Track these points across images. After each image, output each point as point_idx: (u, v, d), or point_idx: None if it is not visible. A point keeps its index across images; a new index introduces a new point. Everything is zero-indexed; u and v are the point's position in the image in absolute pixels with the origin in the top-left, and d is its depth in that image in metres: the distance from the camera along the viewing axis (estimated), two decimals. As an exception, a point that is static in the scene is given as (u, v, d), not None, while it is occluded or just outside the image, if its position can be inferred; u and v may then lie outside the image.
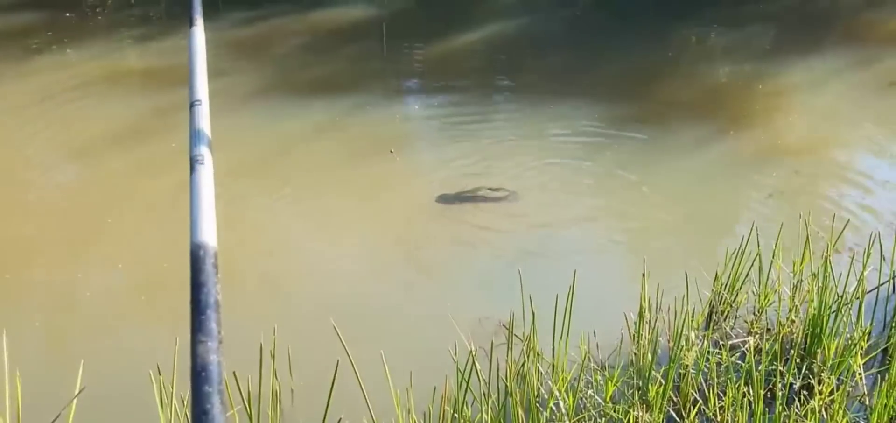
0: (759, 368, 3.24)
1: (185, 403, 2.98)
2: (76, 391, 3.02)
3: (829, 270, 3.64)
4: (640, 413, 3.25)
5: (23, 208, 5.23)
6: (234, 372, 2.97)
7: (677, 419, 3.38)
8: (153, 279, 4.51)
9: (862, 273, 3.74)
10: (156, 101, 6.74)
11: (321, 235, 5.00)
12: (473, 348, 3.11)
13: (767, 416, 3.17)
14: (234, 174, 5.53)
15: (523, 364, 3.32)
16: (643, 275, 3.59)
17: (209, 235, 1.12)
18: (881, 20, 8.32)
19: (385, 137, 6.12)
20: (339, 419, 2.87)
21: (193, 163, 1.23)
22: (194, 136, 1.29)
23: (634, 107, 6.56)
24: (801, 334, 3.69)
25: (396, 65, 7.97)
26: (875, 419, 3.20)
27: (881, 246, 3.98)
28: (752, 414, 3.29)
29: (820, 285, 3.65)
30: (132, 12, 9.32)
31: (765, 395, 3.38)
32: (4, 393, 2.91)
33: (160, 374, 2.92)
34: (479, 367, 3.21)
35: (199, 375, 0.95)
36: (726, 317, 3.93)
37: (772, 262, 3.90)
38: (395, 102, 6.92)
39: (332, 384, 2.83)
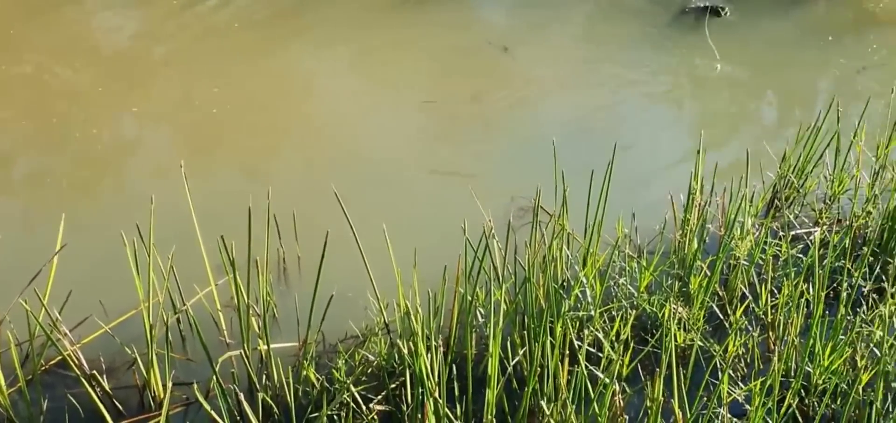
0: (824, 263, 2.79)
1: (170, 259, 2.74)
2: (57, 248, 2.82)
3: (918, 157, 3.10)
4: (678, 307, 2.87)
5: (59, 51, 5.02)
6: (220, 237, 2.69)
7: (721, 316, 2.98)
8: (162, 132, 4.30)
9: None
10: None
11: (340, 89, 4.66)
12: (491, 225, 2.76)
13: (827, 320, 2.74)
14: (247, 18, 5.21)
15: (550, 247, 2.95)
16: (698, 151, 3.12)
17: None
18: None
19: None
20: (331, 296, 2.59)
21: None
22: None
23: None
24: (877, 228, 3.19)
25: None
26: (957, 330, 2.74)
27: None
28: (809, 316, 2.87)
29: (907, 172, 3.12)
30: None
31: (827, 296, 2.95)
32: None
33: (139, 233, 2.68)
34: (500, 248, 2.87)
35: None
36: (791, 204, 3.45)
37: (852, 142, 3.36)
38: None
39: (322, 256, 2.52)
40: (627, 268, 3.02)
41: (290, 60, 4.94)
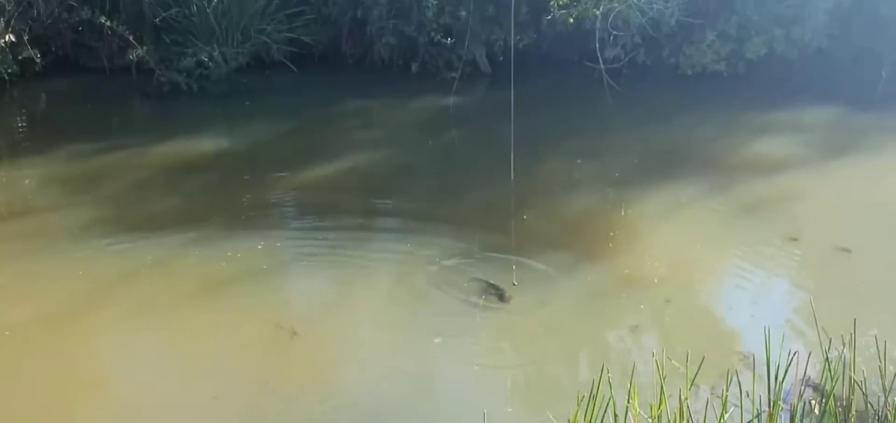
0: None
1: None
2: None
3: (686, 416, 3.29)
4: None
5: None
6: None
7: None
8: None
9: (721, 414, 3.41)
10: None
11: (127, 387, 4.40)
12: None
13: None
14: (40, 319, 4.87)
15: None
16: (484, 431, 3.13)
17: None
18: (733, 148, 8.51)
19: (226, 274, 5.59)
20: None
21: None
22: None
23: (494, 238, 6.25)
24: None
25: (242, 197, 7.39)
26: None
27: (740, 382, 3.69)
28: None
29: (679, 432, 3.28)
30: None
31: None
32: None
33: None
34: None
35: None
36: (582, 473, 3.49)
37: (627, 407, 3.52)
38: (234, 236, 6.30)
39: None
40: None
41: (75, 360, 4.61)
